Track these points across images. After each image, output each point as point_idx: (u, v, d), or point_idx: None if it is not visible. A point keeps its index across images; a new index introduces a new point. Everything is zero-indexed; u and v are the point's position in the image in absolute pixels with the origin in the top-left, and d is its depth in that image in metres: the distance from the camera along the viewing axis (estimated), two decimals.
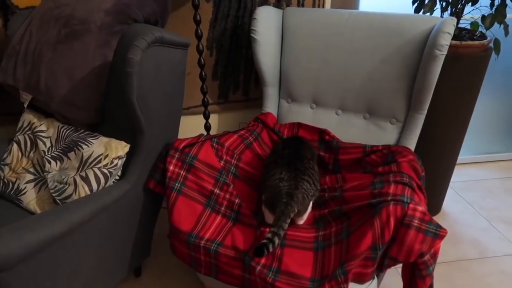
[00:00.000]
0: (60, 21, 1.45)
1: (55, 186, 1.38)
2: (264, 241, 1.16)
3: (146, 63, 1.26)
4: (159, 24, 1.55)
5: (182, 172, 1.39)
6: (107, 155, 1.34)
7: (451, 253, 1.81)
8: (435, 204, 2.05)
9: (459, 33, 1.74)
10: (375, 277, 1.18)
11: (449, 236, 1.91)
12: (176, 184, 1.37)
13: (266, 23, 1.67)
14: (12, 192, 1.49)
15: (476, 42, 1.64)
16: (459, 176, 2.37)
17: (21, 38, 1.52)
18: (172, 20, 1.77)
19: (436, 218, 2.05)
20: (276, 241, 1.17)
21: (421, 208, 1.10)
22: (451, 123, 1.82)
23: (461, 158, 2.44)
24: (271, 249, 1.16)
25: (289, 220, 1.22)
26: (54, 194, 1.38)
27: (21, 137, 1.55)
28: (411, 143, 1.54)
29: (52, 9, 1.49)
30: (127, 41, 1.30)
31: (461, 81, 1.72)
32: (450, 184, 2.24)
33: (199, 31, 1.68)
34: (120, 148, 1.35)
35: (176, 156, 1.39)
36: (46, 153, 1.47)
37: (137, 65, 1.22)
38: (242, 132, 1.63)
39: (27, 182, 1.48)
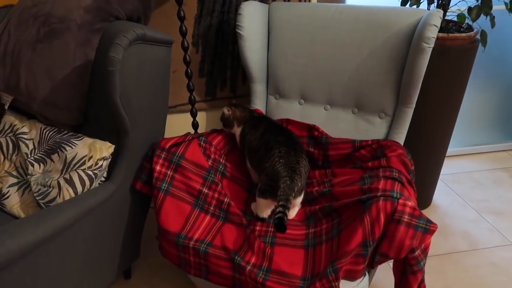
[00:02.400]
0: (39, 19, 1.41)
1: (39, 189, 1.35)
2: (278, 215, 1.15)
3: (129, 62, 1.23)
4: (142, 21, 1.51)
5: (169, 172, 1.36)
6: (91, 157, 1.31)
7: (442, 246, 1.81)
8: (425, 197, 2.06)
9: (446, 25, 1.73)
10: (366, 274, 1.17)
11: (440, 229, 1.91)
12: (163, 184, 1.34)
13: (251, 19, 1.64)
14: None
15: (463, 34, 1.64)
16: (448, 168, 2.38)
17: None
18: (156, 17, 1.73)
19: (427, 211, 2.06)
20: (287, 213, 1.17)
21: (411, 203, 1.09)
22: (440, 115, 1.82)
23: (450, 150, 2.45)
24: (286, 221, 1.15)
25: (293, 195, 1.22)
26: (37, 198, 1.34)
27: (2, 140, 1.51)
28: (400, 137, 1.53)
29: (30, 7, 1.45)
30: (108, 39, 1.26)
31: (448, 73, 1.71)
32: (440, 176, 2.24)
33: (184, 27, 1.65)
34: (105, 149, 1.32)
35: (163, 155, 1.37)
36: (29, 156, 1.43)
37: (119, 63, 1.19)
38: None
39: (10, 186, 1.44)
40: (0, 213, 1.43)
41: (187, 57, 1.71)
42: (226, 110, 1.54)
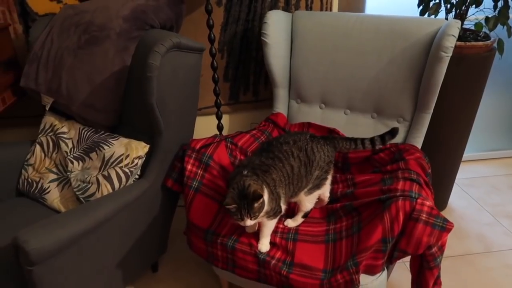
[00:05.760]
0: (80, 27, 1.52)
1: (79, 185, 1.45)
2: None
3: (165, 68, 1.32)
4: (174, 29, 1.61)
5: (199, 171, 1.45)
6: (128, 155, 1.40)
7: (457, 248, 1.86)
8: (441, 200, 2.11)
9: (464, 34, 1.79)
10: (385, 269, 1.24)
11: (455, 231, 1.96)
12: (194, 183, 1.43)
13: (276, 27, 1.73)
14: (36, 191, 1.56)
15: (480, 43, 1.69)
16: (464, 173, 2.42)
17: (42, 44, 1.59)
18: (185, 24, 1.83)
19: (443, 214, 2.10)
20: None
21: (429, 203, 1.16)
22: (457, 121, 1.87)
23: (466, 155, 2.49)
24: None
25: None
26: (78, 193, 1.44)
27: (43, 139, 1.62)
28: (418, 142, 1.59)
29: (72, 16, 1.56)
30: (145, 46, 1.36)
31: (466, 80, 1.77)
32: (456, 180, 2.29)
33: (212, 35, 1.75)
34: (140, 149, 1.42)
35: (193, 156, 1.46)
36: (69, 154, 1.53)
37: (156, 69, 1.29)
38: (254, 132, 1.70)
39: (50, 182, 1.55)
40: (41, 207, 1.55)
41: (215, 63, 1.80)
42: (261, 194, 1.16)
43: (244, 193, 1.12)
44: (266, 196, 1.17)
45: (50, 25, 1.61)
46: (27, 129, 1.92)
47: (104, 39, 1.47)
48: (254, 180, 1.16)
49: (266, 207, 1.17)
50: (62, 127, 1.61)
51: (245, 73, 2.02)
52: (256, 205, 1.12)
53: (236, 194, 1.14)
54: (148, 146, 1.43)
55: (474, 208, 2.14)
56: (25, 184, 1.59)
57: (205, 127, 2.07)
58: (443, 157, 1.97)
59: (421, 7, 1.79)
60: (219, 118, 1.93)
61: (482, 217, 2.07)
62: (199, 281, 1.72)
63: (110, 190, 1.39)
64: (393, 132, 1.38)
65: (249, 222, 1.15)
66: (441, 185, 2.05)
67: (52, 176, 1.56)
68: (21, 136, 1.93)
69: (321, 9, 1.93)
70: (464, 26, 1.82)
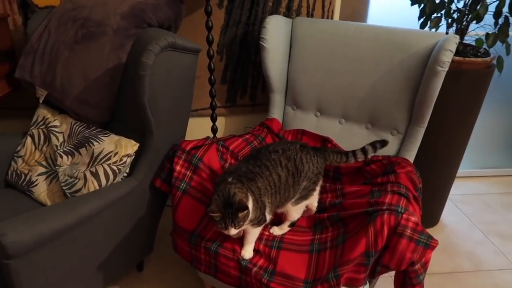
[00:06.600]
0: (78, 22, 1.52)
1: (66, 180, 1.44)
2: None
3: (158, 67, 1.32)
4: (172, 29, 1.61)
5: (188, 173, 1.44)
6: (116, 153, 1.40)
7: (446, 264, 1.85)
8: (433, 215, 2.09)
9: (464, 49, 1.78)
10: (367, 283, 1.23)
11: (445, 248, 1.95)
12: (182, 184, 1.42)
13: (275, 32, 1.72)
14: (24, 183, 1.55)
15: (480, 59, 1.68)
16: (458, 189, 2.40)
17: (39, 37, 1.59)
18: (185, 25, 1.83)
19: (434, 229, 2.09)
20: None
21: (414, 218, 1.15)
22: (453, 136, 1.86)
23: (461, 171, 2.47)
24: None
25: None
26: (64, 188, 1.44)
27: (35, 131, 1.62)
28: (411, 155, 1.58)
29: (70, 10, 1.56)
30: (141, 44, 1.36)
31: (464, 96, 1.76)
32: (449, 196, 2.27)
33: (211, 36, 1.74)
34: (130, 147, 1.41)
35: (183, 157, 1.45)
36: (59, 148, 1.53)
37: (149, 68, 1.28)
38: (247, 136, 1.69)
39: (39, 175, 1.55)
40: (28, 200, 1.54)
41: (212, 64, 1.80)
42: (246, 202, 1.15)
43: (229, 201, 1.11)
44: (250, 204, 1.15)
45: (48, 18, 1.61)
46: (21, 121, 1.91)
47: (101, 35, 1.46)
48: (239, 187, 1.15)
49: (250, 215, 1.16)
50: (55, 120, 1.60)
51: (243, 76, 2.01)
52: (240, 214, 1.11)
53: (221, 202, 1.12)
54: (137, 144, 1.42)
55: (466, 224, 2.12)
56: (14, 175, 1.59)
57: (200, 128, 2.07)
58: (437, 172, 1.96)
59: (421, 20, 1.78)
60: (214, 120, 1.92)
61: (474, 234, 2.05)
62: (183, 284, 1.70)
63: (97, 187, 1.38)
64: (383, 142, 1.38)
65: (233, 231, 1.14)
66: (434, 200, 2.03)
67: (41, 169, 1.56)
68: (17, 127, 1.92)
69: (323, 17, 1.93)
70: (464, 41, 1.81)
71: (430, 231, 2.06)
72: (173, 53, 1.36)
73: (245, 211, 1.11)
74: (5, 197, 1.54)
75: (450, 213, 2.20)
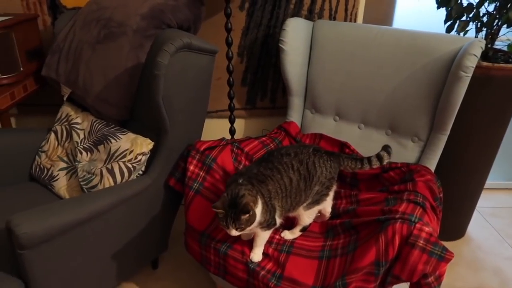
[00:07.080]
0: (101, 22, 1.56)
1: (84, 176, 1.48)
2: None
3: (173, 67, 1.33)
4: (192, 31, 1.62)
5: (201, 173, 1.44)
6: (132, 151, 1.42)
7: (471, 280, 1.76)
8: (459, 228, 2.00)
9: (494, 55, 1.70)
10: None
11: (470, 262, 1.85)
12: (195, 184, 1.42)
13: (295, 34, 1.70)
14: (46, 177, 1.61)
15: (510, 65, 1.60)
16: (487, 201, 2.29)
17: (65, 37, 1.64)
18: (206, 26, 1.84)
19: (459, 242, 2.00)
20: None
21: (428, 228, 1.09)
22: (480, 145, 1.77)
23: (491, 182, 2.35)
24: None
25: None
26: (82, 183, 1.47)
27: (58, 127, 1.67)
28: (432, 163, 1.52)
29: (95, 11, 1.60)
30: (157, 45, 1.38)
31: (493, 103, 1.67)
32: (477, 208, 2.17)
33: (230, 38, 1.75)
34: (145, 145, 1.43)
35: (197, 157, 1.45)
36: (79, 144, 1.57)
37: (164, 68, 1.30)
38: (263, 138, 1.68)
39: (60, 170, 1.59)
40: (48, 193, 1.59)
41: (231, 66, 1.80)
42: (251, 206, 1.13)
43: (235, 202, 1.10)
44: (259, 207, 1.14)
45: (74, 18, 1.66)
46: (48, 117, 1.99)
47: (121, 35, 1.50)
48: (249, 189, 1.14)
49: (259, 218, 1.15)
50: (77, 117, 1.65)
51: (263, 79, 2.00)
52: (243, 217, 1.10)
53: (227, 200, 1.12)
54: (152, 143, 1.44)
55: (494, 239, 2.01)
56: (37, 170, 1.64)
57: (218, 129, 2.07)
58: (464, 182, 1.87)
59: (448, 23, 1.71)
60: (231, 121, 1.93)
61: (502, 249, 1.94)
62: (196, 284, 1.71)
63: (112, 184, 1.41)
64: (387, 146, 1.36)
65: (234, 232, 1.12)
66: (460, 211, 1.94)
67: (62, 165, 1.60)
68: (43, 124, 2.00)
69: (345, 20, 1.89)
70: (495, 46, 1.73)
71: (455, 244, 1.98)
72: (189, 53, 1.37)
73: (248, 215, 1.10)
74: (28, 190, 1.60)
75: (478, 226, 2.10)
